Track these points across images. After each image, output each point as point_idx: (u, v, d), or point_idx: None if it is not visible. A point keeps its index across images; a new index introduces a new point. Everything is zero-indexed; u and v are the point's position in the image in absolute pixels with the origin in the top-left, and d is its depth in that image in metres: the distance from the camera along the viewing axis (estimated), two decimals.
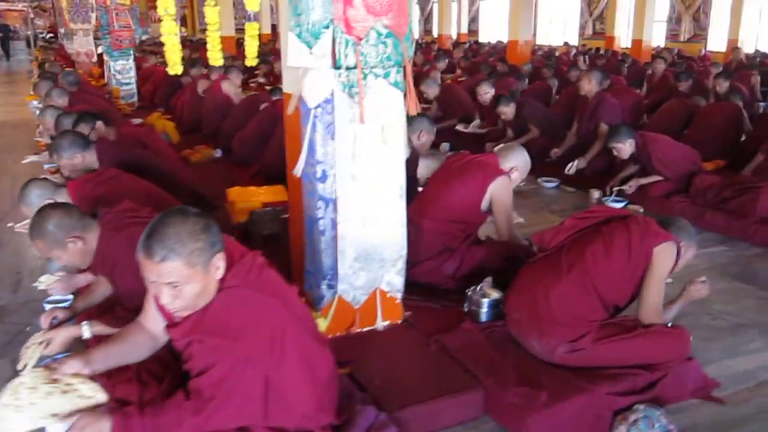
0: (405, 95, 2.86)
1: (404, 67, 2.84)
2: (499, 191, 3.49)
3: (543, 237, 2.92)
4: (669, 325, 2.74)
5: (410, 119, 4.38)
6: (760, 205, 4.47)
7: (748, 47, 16.71)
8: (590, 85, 6.14)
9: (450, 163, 3.72)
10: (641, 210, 5.15)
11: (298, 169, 2.89)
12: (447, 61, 12.36)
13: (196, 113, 7.79)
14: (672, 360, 2.63)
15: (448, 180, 3.61)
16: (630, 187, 5.30)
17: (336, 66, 2.67)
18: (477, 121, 7.36)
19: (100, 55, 12.15)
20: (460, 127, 7.45)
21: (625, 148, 5.12)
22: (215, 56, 8.18)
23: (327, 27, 2.62)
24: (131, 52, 10.19)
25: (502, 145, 4.06)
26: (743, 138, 6.34)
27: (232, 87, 7.39)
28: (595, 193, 5.49)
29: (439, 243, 3.48)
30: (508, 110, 6.59)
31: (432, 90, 7.80)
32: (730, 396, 2.67)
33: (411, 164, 3.96)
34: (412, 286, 3.22)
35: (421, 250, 3.48)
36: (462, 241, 3.53)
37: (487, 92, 7.07)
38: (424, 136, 4.35)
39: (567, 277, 2.67)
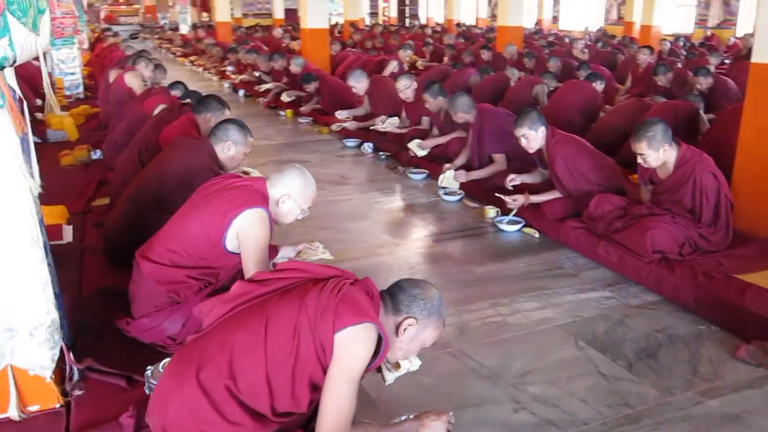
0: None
1: None
2: (246, 227, 2.65)
3: (201, 309, 2.06)
4: None
5: (216, 127, 3.57)
6: (650, 241, 3.48)
7: None
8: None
9: (202, 189, 2.87)
10: (537, 235, 4.22)
11: None
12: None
13: (105, 106, 7.15)
14: None
15: (186, 211, 2.78)
16: (511, 180, 4.46)
17: None
18: (395, 119, 6.43)
19: None
20: (377, 126, 6.54)
21: (536, 137, 4.18)
22: None
23: None
24: (74, 40, 9.61)
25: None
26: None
27: (135, 79, 6.66)
28: (491, 212, 4.56)
29: (161, 294, 2.67)
30: (431, 102, 5.67)
31: (360, 84, 6.91)
32: None
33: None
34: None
35: (141, 302, 2.70)
36: (196, 292, 2.71)
37: (407, 86, 6.13)
38: (231, 149, 3.49)
39: (195, 378, 1.81)
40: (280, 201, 2.76)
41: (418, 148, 5.68)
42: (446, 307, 3.22)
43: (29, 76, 9.16)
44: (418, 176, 5.67)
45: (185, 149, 3.54)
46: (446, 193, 5.09)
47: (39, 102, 8.80)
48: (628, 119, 5.53)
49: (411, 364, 2.19)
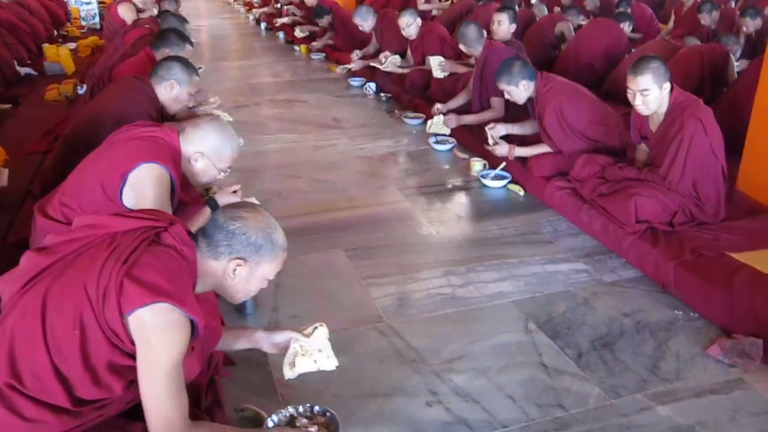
0: None
1: None
2: (139, 184, 2.35)
3: None
4: None
5: (158, 65, 3.24)
6: (634, 209, 3.03)
7: None
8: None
9: (109, 138, 2.57)
10: (522, 193, 3.82)
11: None
12: None
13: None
14: None
15: (87, 162, 2.50)
16: (491, 128, 4.01)
17: None
18: (396, 58, 5.93)
19: None
20: (376, 63, 6.07)
21: (518, 91, 3.74)
22: None
23: None
24: None
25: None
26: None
27: (128, 11, 6.33)
28: (477, 165, 4.14)
29: None
30: (410, 27, 5.21)
31: (367, 23, 6.40)
32: None
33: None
34: None
35: None
36: None
37: (409, 23, 5.61)
38: (175, 89, 3.15)
39: None
40: (192, 159, 2.46)
41: (438, 67, 5.19)
42: (393, 275, 2.94)
43: (47, 6, 9.01)
44: (413, 121, 5.23)
45: (121, 90, 3.24)
46: (437, 142, 4.67)
47: (56, 32, 8.67)
48: None
49: (323, 364, 1.90)
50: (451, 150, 4.58)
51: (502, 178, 3.97)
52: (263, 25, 10.52)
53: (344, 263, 3.06)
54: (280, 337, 1.96)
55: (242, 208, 1.74)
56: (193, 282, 1.64)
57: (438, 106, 4.77)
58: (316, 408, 1.95)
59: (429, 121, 4.69)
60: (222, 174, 2.56)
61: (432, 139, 4.71)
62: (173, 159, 2.45)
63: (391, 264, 3.05)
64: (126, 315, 1.47)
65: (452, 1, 10.78)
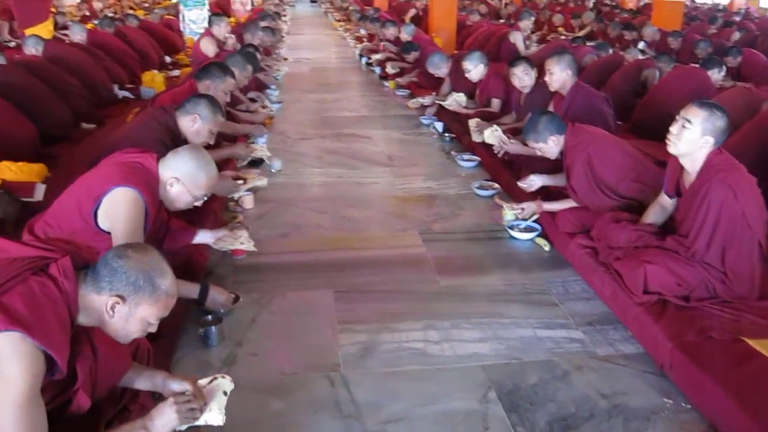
0: None
1: None
2: (112, 207, 2.44)
3: None
4: None
5: (187, 99, 3.38)
6: (643, 277, 2.72)
7: None
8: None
9: (103, 160, 2.70)
10: (547, 248, 3.59)
11: None
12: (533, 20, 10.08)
13: None
14: None
15: (75, 182, 2.63)
16: (529, 182, 3.83)
17: None
18: (461, 96, 5.80)
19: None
20: (439, 100, 5.99)
21: (549, 147, 3.57)
22: None
23: None
24: (205, 1, 10.01)
25: None
26: None
27: (210, 45, 6.67)
28: (509, 214, 3.92)
29: None
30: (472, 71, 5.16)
31: (441, 70, 6.37)
32: None
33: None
34: None
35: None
36: None
37: (468, 70, 5.53)
38: (197, 123, 3.27)
39: None
40: (168, 184, 2.53)
41: (475, 128, 5.07)
42: (370, 322, 2.83)
43: (162, 33, 9.79)
44: (467, 164, 5.10)
45: (143, 117, 3.42)
46: (479, 187, 4.51)
47: (168, 59, 9.38)
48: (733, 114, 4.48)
49: (209, 418, 1.86)
50: (492, 196, 4.39)
51: (532, 230, 3.74)
52: (364, 59, 10.77)
53: (328, 304, 2.99)
54: (176, 385, 1.93)
55: (133, 248, 1.75)
56: (65, 316, 1.64)
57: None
58: None
59: (487, 131, 4.54)
60: (198, 201, 2.60)
61: (475, 184, 4.56)
62: (148, 184, 2.52)
63: (374, 310, 2.94)
64: None
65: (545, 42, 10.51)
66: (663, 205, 3.06)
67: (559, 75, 4.29)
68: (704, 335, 2.50)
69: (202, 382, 1.91)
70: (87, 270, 1.71)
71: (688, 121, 2.72)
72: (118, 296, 1.66)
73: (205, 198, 2.64)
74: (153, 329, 1.75)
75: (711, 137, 2.72)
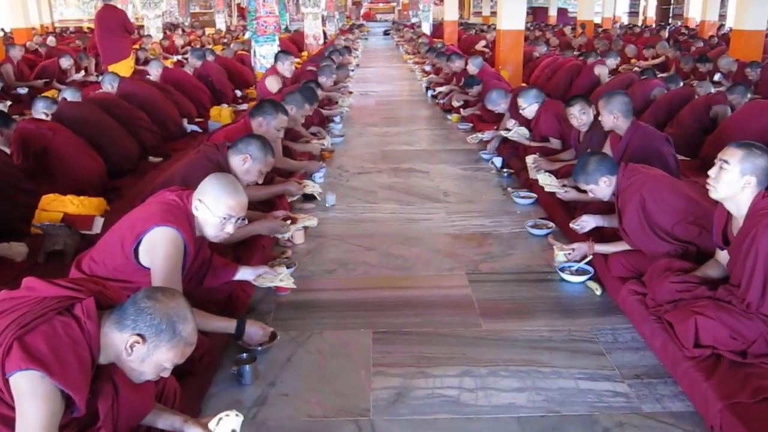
0: None
1: None
2: (152, 245, 2.53)
3: None
4: None
5: (240, 138, 3.48)
6: (694, 331, 2.55)
7: None
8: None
9: (149, 198, 2.81)
10: (598, 292, 3.45)
11: None
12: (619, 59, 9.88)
13: None
14: None
15: (121, 219, 2.73)
16: (581, 223, 3.70)
17: None
18: (523, 129, 5.68)
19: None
20: (502, 132, 5.92)
21: (600, 189, 3.47)
22: None
23: None
24: (275, 36, 10.33)
25: None
26: None
27: (274, 82, 6.86)
28: (560, 255, 3.79)
29: None
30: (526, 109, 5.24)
31: (500, 107, 6.31)
32: None
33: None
34: None
35: None
36: None
37: (523, 107, 5.46)
38: (248, 163, 3.36)
39: None
40: (193, 208, 2.59)
41: (533, 165, 4.98)
42: (405, 366, 2.78)
43: (235, 68, 10.19)
44: (524, 201, 4.99)
45: (195, 155, 3.52)
46: (533, 226, 4.40)
47: (238, 93, 9.73)
48: None
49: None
50: (546, 236, 4.26)
51: (584, 273, 3.61)
52: (430, 92, 10.82)
53: (365, 345, 2.96)
54: (192, 430, 1.95)
55: (162, 291, 1.81)
56: (86, 355, 1.70)
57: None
58: None
59: (538, 175, 4.49)
60: (223, 223, 2.59)
61: (529, 222, 4.45)
62: (188, 222, 2.60)
63: (410, 354, 2.89)
64: (7, 375, 1.59)
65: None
66: (718, 258, 2.89)
67: (607, 117, 4.18)
68: (759, 397, 2.31)
69: (211, 425, 1.92)
70: (113, 308, 1.77)
71: (726, 162, 2.60)
72: (140, 335, 1.71)
73: (235, 222, 2.63)
74: (166, 374, 1.78)
75: (752, 176, 2.57)
